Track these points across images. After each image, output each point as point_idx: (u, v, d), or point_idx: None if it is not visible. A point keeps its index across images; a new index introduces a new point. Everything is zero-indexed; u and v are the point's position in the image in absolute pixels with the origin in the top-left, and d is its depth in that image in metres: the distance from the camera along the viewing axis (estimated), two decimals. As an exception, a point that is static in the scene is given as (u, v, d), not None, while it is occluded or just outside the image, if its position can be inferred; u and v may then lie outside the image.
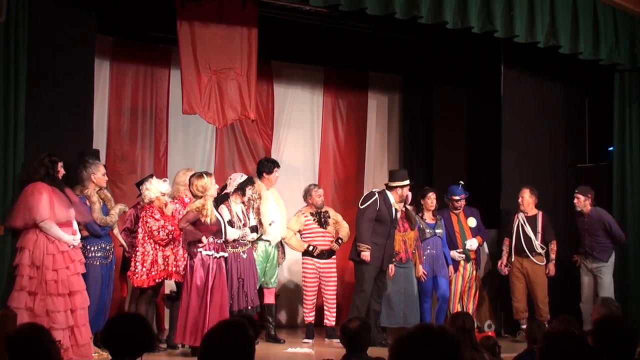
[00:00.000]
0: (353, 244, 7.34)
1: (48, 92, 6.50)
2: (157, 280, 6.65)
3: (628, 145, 8.56)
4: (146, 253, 6.60)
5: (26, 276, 5.68)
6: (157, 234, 6.58)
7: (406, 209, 7.62)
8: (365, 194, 7.54)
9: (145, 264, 6.59)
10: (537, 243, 7.89)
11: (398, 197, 7.36)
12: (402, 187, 7.35)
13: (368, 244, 7.12)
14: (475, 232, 8.03)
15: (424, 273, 7.58)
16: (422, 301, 7.69)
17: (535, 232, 7.93)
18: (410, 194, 7.66)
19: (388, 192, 7.35)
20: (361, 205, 7.30)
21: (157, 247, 6.64)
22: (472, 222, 8.06)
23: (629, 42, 8.43)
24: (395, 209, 7.37)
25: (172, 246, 6.70)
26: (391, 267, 7.36)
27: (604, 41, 8.20)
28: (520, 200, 7.98)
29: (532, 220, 7.96)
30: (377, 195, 7.28)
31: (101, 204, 6.40)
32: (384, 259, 7.21)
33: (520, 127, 8.53)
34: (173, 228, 6.61)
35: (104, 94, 8.27)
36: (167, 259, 6.69)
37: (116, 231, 6.55)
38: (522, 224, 7.95)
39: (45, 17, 6.51)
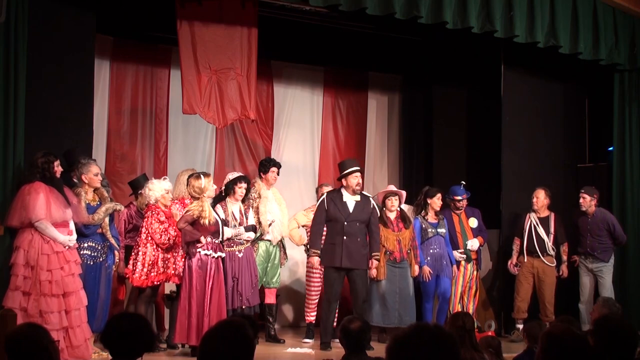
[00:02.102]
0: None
1: (48, 92, 6.49)
2: (155, 282, 6.64)
3: (628, 145, 8.56)
4: (148, 253, 6.60)
5: (21, 276, 5.65)
6: (158, 237, 6.58)
7: (400, 209, 7.60)
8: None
9: (146, 265, 6.59)
10: (549, 244, 7.90)
11: (350, 189, 7.18)
12: (348, 175, 7.18)
13: (317, 248, 7.08)
14: (476, 232, 8.04)
15: (429, 272, 7.56)
16: (424, 301, 7.66)
17: (548, 233, 7.93)
18: (404, 193, 7.63)
19: (342, 188, 7.24)
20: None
21: (159, 249, 6.64)
22: (473, 222, 8.07)
23: (629, 42, 8.43)
24: (358, 202, 7.16)
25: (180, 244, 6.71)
26: (372, 262, 7.18)
27: (604, 41, 8.20)
28: (534, 200, 7.98)
29: (544, 222, 7.96)
30: (324, 197, 7.20)
31: (95, 203, 6.36)
32: (343, 257, 7.04)
33: (520, 127, 8.54)
34: (175, 234, 6.59)
35: (104, 94, 8.28)
36: (167, 262, 6.68)
37: (106, 230, 6.39)
38: (534, 225, 7.95)
39: (45, 17, 6.51)
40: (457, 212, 8.04)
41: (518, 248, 8.03)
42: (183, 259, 6.63)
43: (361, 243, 7.13)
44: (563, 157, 8.92)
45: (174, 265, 6.69)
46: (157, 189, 6.70)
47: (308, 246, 7.76)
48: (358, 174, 7.20)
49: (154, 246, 6.61)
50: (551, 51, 8.06)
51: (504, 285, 8.32)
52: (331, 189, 7.76)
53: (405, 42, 9.12)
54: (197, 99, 7.13)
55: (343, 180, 7.23)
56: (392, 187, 7.83)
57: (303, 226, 7.86)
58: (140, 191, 7.00)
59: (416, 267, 7.51)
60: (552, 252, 7.92)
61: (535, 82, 8.67)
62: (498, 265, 8.51)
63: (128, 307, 7.06)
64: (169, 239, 6.58)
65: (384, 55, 9.53)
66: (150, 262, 6.59)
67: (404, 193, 7.71)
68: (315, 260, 7.08)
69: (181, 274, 6.61)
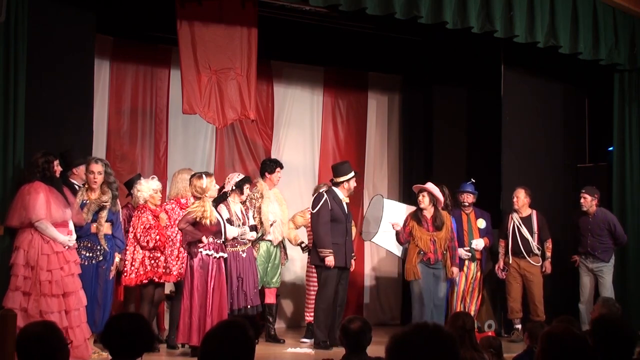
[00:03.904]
0: (313, 248, 7.27)
1: (48, 92, 6.50)
2: (143, 281, 6.63)
3: (628, 145, 8.56)
4: (135, 252, 6.61)
5: (21, 276, 5.65)
6: (139, 237, 6.60)
7: (436, 209, 7.32)
8: (313, 197, 7.39)
9: (134, 263, 6.60)
10: (534, 244, 7.91)
11: (346, 191, 7.30)
12: (348, 180, 7.26)
13: (330, 247, 7.05)
14: (483, 233, 8.08)
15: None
16: None
17: (531, 232, 7.94)
18: (436, 191, 7.27)
19: (335, 189, 7.26)
20: (313, 209, 7.20)
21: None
22: (481, 223, 8.12)
23: (629, 42, 8.44)
24: (347, 204, 7.30)
25: (163, 248, 6.70)
26: (352, 262, 7.41)
27: (604, 41, 8.20)
28: (515, 200, 8.00)
29: (527, 221, 7.97)
30: (326, 196, 7.18)
31: (97, 203, 6.32)
32: (347, 257, 7.19)
33: (520, 127, 8.54)
34: (158, 237, 6.61)
35: (104, 94, 8.27)
36: (157, 261, 6.68)
37: (101, 234, 6.24)
38: (517, 225, 7.96)
39: (45, 16, 6.52)
40: (466, 210, 8.06)
41: (504, 250, 8.05)
42: (179, 258, 6.68)
43: (352, 243, 7.40)
44: (563, 157, 8.92)
45: (164, 264, 6.69)
46: (145, 189, 6.74)
47: (302, 245, 7.78)
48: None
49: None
50: (551, 51, 8.06)
51: (503, 285, 8.32)
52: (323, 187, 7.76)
53: (405, 42, 9.12)
54: (197, 99, 7.13)
55: (345, 183, 7.25)
56: (430, 185, 7.41)
57: (303, 226, 7.87)
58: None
59: (454, 269, 7.30)
60: (538, 252, 7.94)
61: (535, 82, 8.67)
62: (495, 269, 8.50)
63: (128, 307, 7.06)
64: (147, 241, 6.58)
65: (384, 55, 9.53)
66: (139, 261, 6.60)
67: (436, 192, 7.28)
68: (332, 259, 7.03)
69: (174, 273, 6.70)
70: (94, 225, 6.21)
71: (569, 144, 8.98)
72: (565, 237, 8.40)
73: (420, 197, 7.29)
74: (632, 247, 8.38)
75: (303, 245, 7.82)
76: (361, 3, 6.93)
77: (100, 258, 6.29)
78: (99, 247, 6.29)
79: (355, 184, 7.42)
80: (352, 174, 7.32)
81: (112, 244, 6.36)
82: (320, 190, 7.42)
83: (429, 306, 7.13)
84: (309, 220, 7.53)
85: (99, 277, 6.29)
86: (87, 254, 6.22)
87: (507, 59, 8.38)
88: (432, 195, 7.27)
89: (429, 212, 7.28)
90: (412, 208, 7.96)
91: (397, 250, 8.22)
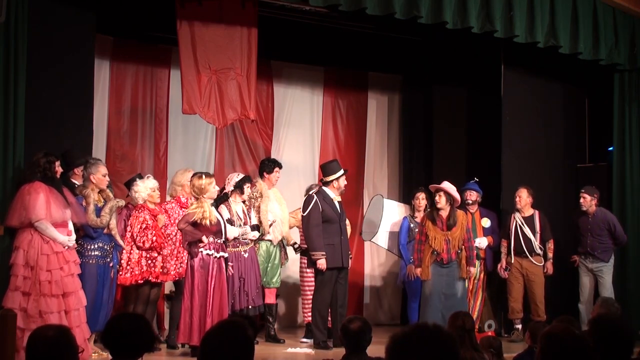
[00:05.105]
0: (307, 251, 7.26)
1: (48, 92, 6.50)
2: (139, 281, 6.63)
3: (628, 145, 8.57)
4: (132, 252, 6.61)
5: (20, 276, 5.63)
6: (135, 237, 6.60)
7: (452, 209, 7.19)
8: (304, 199, 7.35)
9: (130, 263, 6.60)
10: (536, 244, 7.91)
11: (337, 190, 7.24)
12: (337, 179, 7.22)
13: (322, 250, 7.02)
14: (487, 232, 8.07)
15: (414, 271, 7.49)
16: (410, 301, 7.68)
17: (534, 232, 7.94)
18: (453, 191, 7.19)
19: (326, 189, 7.23)
20: (303, 212, 7.17)
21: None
22: (485, 222, 8.15)
23: (629, 42, 8.44)
24: (339, 202, 7.24)
25: (159, 248, 6.71)
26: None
27: (604, 41, 8.20)
28: (517, 199, 7.99)
29: (529, 221, 7.97)
30: (315, 197, 7.14)
31: (101, 204, 6.35)
32: (343, 257, 7.14)
33: (520, 127, 8.54)
34: (155, 238, 6.60)
35: (104, 94, 8.27)
36: (153, 261, 6.67)
37: (114, 232, 6.43)
38: (520, 225, 7.96)
39: (45, 16, 6.51)
40: (471, 209, 8.07)
41: (506, 250, 8.05)
42: (177, 258, 6.69)
43: (348, 242, 7.38)
44: (563, 157, 8.92)
45: (161, 264, 6.69)
46: (142, 190, 6.74)
47: (295, 246, 7.78)
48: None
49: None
50: (551, 51, 8.07)
51: (503, 285, 8.32)
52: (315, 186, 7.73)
53: (405, 42, 9.12)
54: (197, 99, 7.13)
55: (334, 182, 7.23)
56: (446, 184, 7.27)
57: (297, 227, 7.87)
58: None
59: (471, 269, 7.23)
60: (540, 252, 7.94)
61: (535, 82, 8.68)
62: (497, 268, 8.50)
63: (128, 307, 7.06)
64: (143, 242, 6.57)
65: (384, 55, 9.53)
66: (135, 261, 6.60)
67: (453, 191, 7.16)
68: (324, 262, 7.01)
69: (171, 273, 6.73)
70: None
71: (569, 144, 8.98)
72: (565, 237, 8.40)
73: (437, 197, 7.17)
74: (632, 247, 8.38)
75: (296, 245, 7.81)
76: (361, 3, 6.93)
77: (108, 258, 6.33)
78: (108, 247, 6.33)
79: (345, 182, 7.32)
80: (341, 172, 7.25)
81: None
82: (310, 192, 7.38)
83: (438, 307, 6.99)
84: (300, 220, 7.53)
85: (108, 278, 6.35)
86: (101, 254, 6.28)
87: (507, 59, 8.38)
88: (448, 195, 7.17)
89: (445, 212, 7.17)
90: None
91: (397, 250, 8.22)
